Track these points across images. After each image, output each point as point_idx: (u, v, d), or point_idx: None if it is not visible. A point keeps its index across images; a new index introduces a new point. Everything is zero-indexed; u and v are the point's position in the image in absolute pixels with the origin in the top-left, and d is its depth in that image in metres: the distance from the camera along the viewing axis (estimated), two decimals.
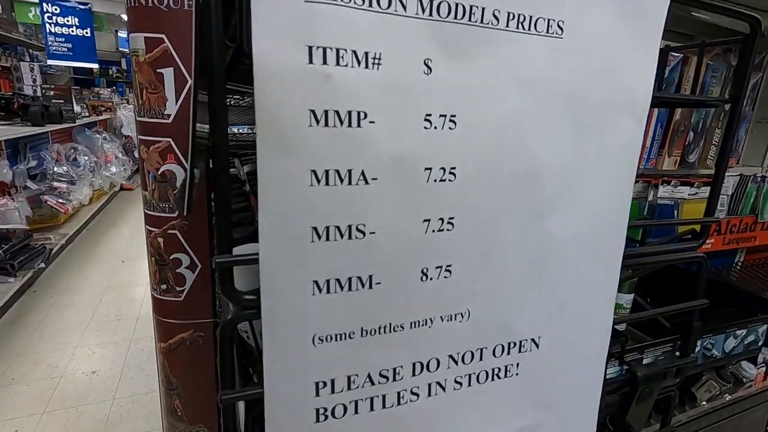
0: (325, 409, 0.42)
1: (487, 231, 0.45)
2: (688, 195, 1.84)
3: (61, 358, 2.97)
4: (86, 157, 7.16)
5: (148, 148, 1.84)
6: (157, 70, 1.76)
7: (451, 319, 0.45)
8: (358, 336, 0.41)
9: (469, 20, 0.40)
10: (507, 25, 0.42)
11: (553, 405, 0.54)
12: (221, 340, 0.40)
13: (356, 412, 0.43)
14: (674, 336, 0.82)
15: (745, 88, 0.60)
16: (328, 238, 0.38)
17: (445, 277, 0.44)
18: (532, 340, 0.50)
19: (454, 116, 0.41)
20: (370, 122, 0.38)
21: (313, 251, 0.38)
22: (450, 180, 0.42)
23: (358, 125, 0.37)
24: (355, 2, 0.36)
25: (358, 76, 0.37)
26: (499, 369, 0.49)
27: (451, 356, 0.46)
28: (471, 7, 0.40)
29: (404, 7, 0.38)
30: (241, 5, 0.34)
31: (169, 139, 1.80)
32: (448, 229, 0.43)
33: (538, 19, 0.43)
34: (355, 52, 0.36)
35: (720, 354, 1.51)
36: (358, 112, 0.37)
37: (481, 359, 0.48)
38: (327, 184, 0.37)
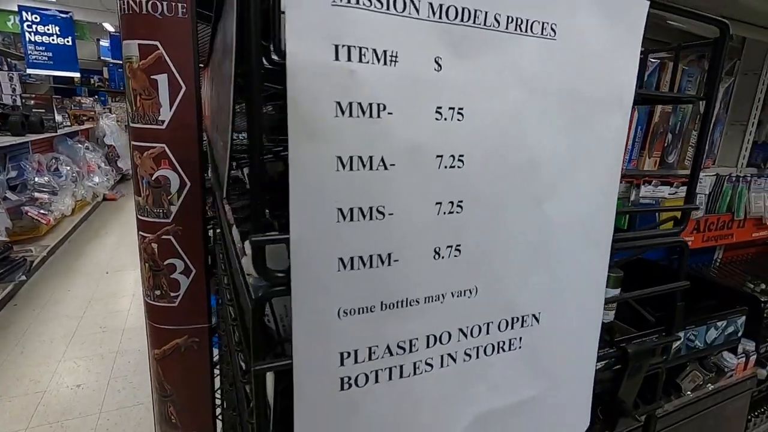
0: (349, 378, 0.45)
1: (492, 214, 0.49)
2: (668, 194, 1.92)
3: (44, 373, 2.90)
4: (68, 167, 7.04)
5: (142, 153, 1.85)
6: (151, 77, 1.78)
7: (461, 295, 0.49)
8: (378, 310, 0.45)
9: (474, 23, 0.45)
10: (506, 27, 0.47)
11: (552, 376, 0.58)
12: (253, 315, 0.43)
13: (377, 381, 0.47)
14: (659, 327, 0.87)
15: (717, 86, 0.66)
16: (351, 219, 0.42)
17: (455, 255, 0.48)
18: (534, 315, 0.55)
19: (461, 109, 0.46)
20: (389, 113, 0.42)
21: (338, 231, 0.42)
22: (458, 167, 0.46)
23: (378, 116, 0.42)
24: (375, 6, 0.40)
25: (378, 72, 0.41)
26: (504, 342, 0.53)
27: (461, 330, 0.50)
28: (475, 11, 0.45)
29: (417, 11, 0.42)
30: (274, 9, 0.38)
31: (164, 145, 1.82)
32: (457, 212, 0.47)
33: (533, 22, 0.48)
34: (375, 51, 0.41)
35: (702, 345, 1.58)
36: (378, 104, 0.41)
37: (487, 333, 0.52)
38: (351, 169, 0.41)
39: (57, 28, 7.48)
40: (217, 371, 2.16)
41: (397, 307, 0.46)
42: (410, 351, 0.48)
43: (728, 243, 2.25)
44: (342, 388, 0.45)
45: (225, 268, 0.87)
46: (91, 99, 8.44)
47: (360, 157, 0.42)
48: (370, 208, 0.43)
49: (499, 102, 0.48)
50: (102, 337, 3.32)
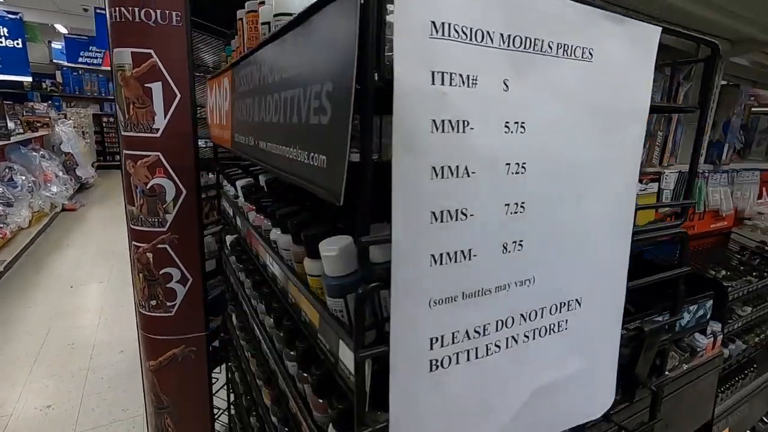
0: (437, 360, 0.52)
1: (547, 212, 0.57)
2: (639, 191, 2.09)
3: (9, 395, 2.76)
4: (23, 177, 6.68)
5: (135, 162, 1.84)
6: (145, 85, 1.78)
7: (522, 284, 0.57)
8: (460, 299, 0.52)
9: (533, 49, 0.53)
10: (556, 52, 0.55)
11: (589, 355, 0.67)
12: (357, 307, 0.49)
13: (457, 362, 0.53)
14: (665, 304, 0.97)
15: (709, 97, 0.77)
16: (441, 220, 0.49)
17: (519, 249, 0.55)
18: (576, 300, 0.63)
19: (523, 122, 0.53)
20: (471, 128, 0.49)
21: (430, 231, 0.48)
22: (521, 173, 0.54)
23: (463, 131, 0.48)
24: (461, 37, 0.47)
25: (463, 93, 0.48)
26: (554, 325, 0.61)
27: (521, 315, 0.58)
28: (534, 39, 0.52)
29: (492, 40, 0.49)
30: (381, 40, 0.44)
31: (158, 153, 1.82)
32: (520, 212, 0.55)
33: (576, 47, 0.57)
34: (460, 75, 0.47)
35: (678, 328, 1.73)
36: (463, 121, 0.48)
37: (542, 317, 0.60)
38: (442, 177, 0.48)
39: (5, 30, 7.08)
40: (216, 378, 2.14)
41: (475, 296, 0.53)
42: (483, 334, 0.55)
43: (691, 234, 2.46)
44: (431, 370, 0.52)
45: (264, 274, 0.91)
46: (45, 104, 8.03)
47: (449, 167, 0.48)
48: (456, 211, 0.49)
49: (549, 115, 0.56)
50: (70, 354, 3.18)
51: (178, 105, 1.77)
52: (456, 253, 0.50)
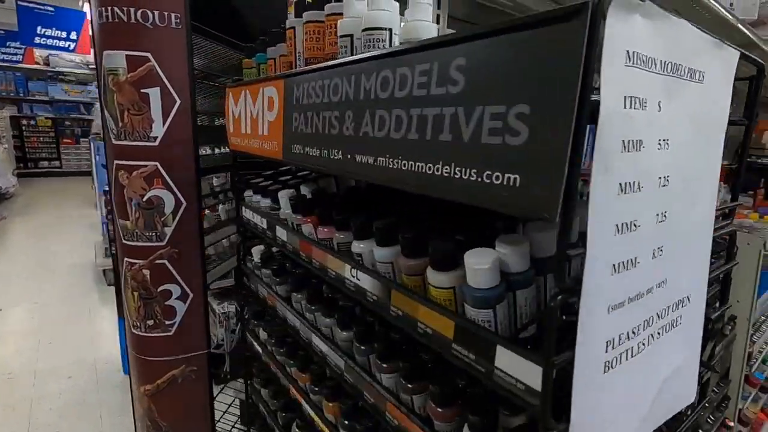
0: (609, 362, 0.56)
1: (678, 220, 0.63)
2: None
3: None
4: None
5: (130, 173, 1.72)
6: (142, 90, 1.66)
7: (659, 286, 0.62)
8: (626, 303, 0.56)
9: (677, 74, 0.58)
10: (688, 77, 0.61)
11: (692, 345, 0.74)
12: (549, 316, 0.51)
13: (620, 363, 0.58)
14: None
15: (754, 111, 0.88)
16: (621, 232, 0.53)
17: (661, 255, 0.61)
18: (687, 297, 0.70)
19: (668, 140, 0.59)
20: (643, 147, 0.53)
21: (613, 242, 0.52)
22: (666, 185, 0.59)
23: (639, 150, 0.53)
24: (642, 65, 0.51)
25: (640, 116, 0.52)
26: (675, 320, 0.68)
27: (657, 313, 0.63)
28: (678, 64, 0.58)
29: (656, 67, 0.54)
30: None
31: (156, 163, 1.71)
32: (663, 221, 0.60)
33: (697, 71, 0.63)
34: (639, 99, 0.52)
35: None
36: (639, 140, 0.53)
37: (668, 314, 0.66)
38: (624, 193, 0.52)
39: None
40: (224, 397, 2.00)
41: (635, 299, 0.58)
42: (636, 335, 0.60)
43: None
44: (605, 371, 0.56)
45: (336, 287, 0.90)
46: None
47: (629, 183, 0.52)
48: (630, 223, 0.54)
49: (682, 132, 0.62)
50: (9, 384, 2.87)
51: (178, 111, 1.67)
52: (628, 261, 0.55)
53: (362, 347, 0.94)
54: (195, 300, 1.83)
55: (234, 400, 2.48)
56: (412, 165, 0.67)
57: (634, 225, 0.55)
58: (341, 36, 0.88)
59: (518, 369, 0.58)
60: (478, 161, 0.56)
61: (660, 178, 0.58)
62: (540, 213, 0.49)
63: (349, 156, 0.81)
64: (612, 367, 0.57)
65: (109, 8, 1.57)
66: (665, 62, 0.56)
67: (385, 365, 0.88)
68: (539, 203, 0.49)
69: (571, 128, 0.46)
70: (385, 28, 0.81)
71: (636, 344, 0.60)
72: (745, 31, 2.10)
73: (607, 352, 0.55)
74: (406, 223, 0.84)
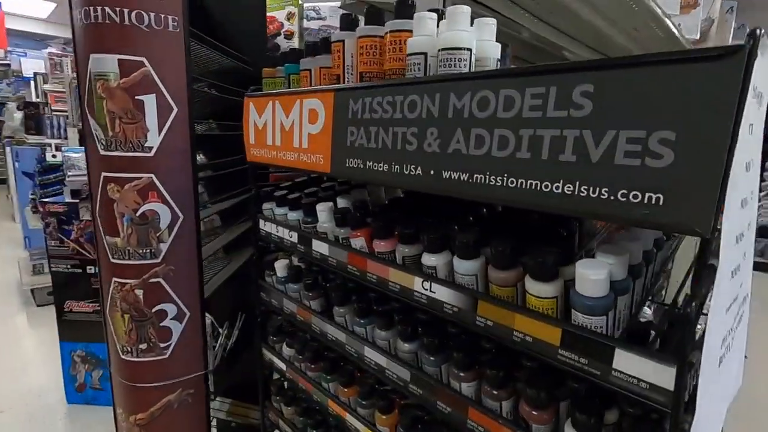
0: (721, 356, 0.63)
1: (750, 228, 0.72)
2: None
3: None
4: None
5: (122, 186, 1.59)
6: (136, 97, 1.56)
7: (741, 286, 0.71)
8: (732, 305, 0.64)
9: (757, 98, 0.67)
10: (759, 101, 0.70)
11: (742, 340, 0.84)
12: (685, 321, 0.57)
13: (724, 356, 0.65)
14: None
15: None
16: (737, 242, 0.60)
17: (744, 259, 0.69)
18: (744, 296, 0.80)
19: (752, 161, 0.67)
20: (752, 166, 0.61)
21: (733, 251, 0.59)
22: (751, 199, 0.68)
23: (748, 170, 0.60)
24: (752, 95, 0.59)
25: (752, 140, 0.60)
26: (742, 314, 0.77)
27: (740, 309, 0.72)
28: (762, 92, 0.67)
29: (753, 94, 0.62)
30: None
31: (151, 175, 1.60)
32: (747, 231, 0.69)
33: (761, 91, 0.73)
34: (752, 126, 0.59)
35: None
36: (751, 160, 0.60)
37: (741, 308, 0.75)
38: (742, 207, 0.59)
39: None
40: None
41: (735, 299, 0.65)
42: (734, 330, 0.68)
43: None
44: (719, 365, 0.63)
45: (401, 300, 0.91)
46: None
47: (744, 198, 0.60)
48: (741, 234, 0.61)
49: (755, 149, 0.71)
50: None
51: (175, 120, 1.57)
52: (737, 266, 0.62)
53: (432, 358, 0.96)
54: (192, 318, 1.72)
55: (212, 420, 2.36)
56: (522, 183, 0.71)
57: (741, 235, 0.62)
58: (412, 53, 0.89)
59: (641, 369, 0.63)
60: (611, 181, 0.61)
61: (747, 162, 0.66)
62: (690, 229, 0.54)
63: (432, 172, 0.83)
64: (722, 361, 0.64)
65: (99, 8, 1.44)
66: (755, 89, 0.64)
67: (462, 374, 0.90)
68: (690, 220, 0.54)
69: (725, 153, 0.51)
70: (466, 48, 0.84)
71: (731, 338, 0.68)
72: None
73: (721, 348, 0.63)
74: (480, 234, 0.87)
